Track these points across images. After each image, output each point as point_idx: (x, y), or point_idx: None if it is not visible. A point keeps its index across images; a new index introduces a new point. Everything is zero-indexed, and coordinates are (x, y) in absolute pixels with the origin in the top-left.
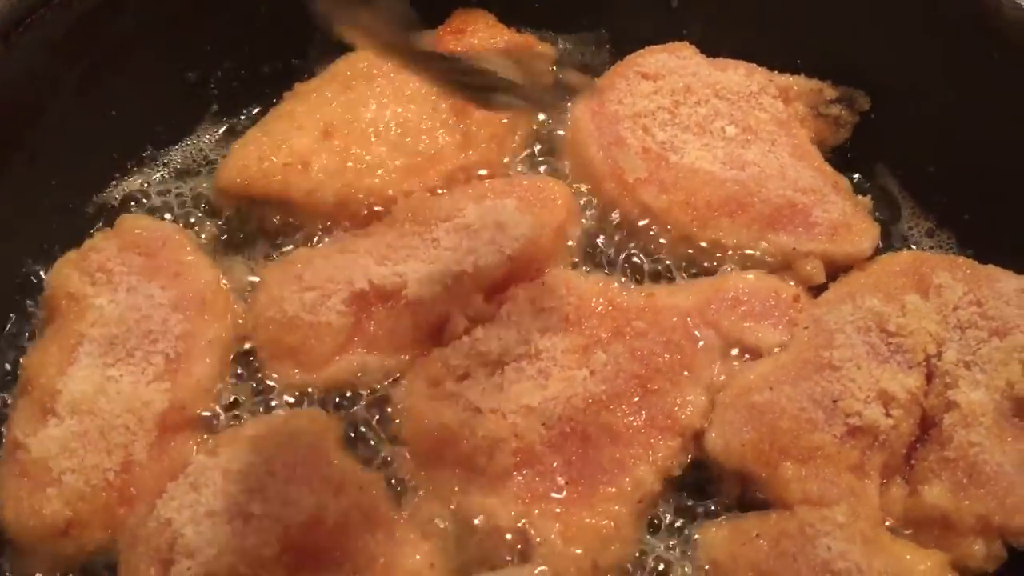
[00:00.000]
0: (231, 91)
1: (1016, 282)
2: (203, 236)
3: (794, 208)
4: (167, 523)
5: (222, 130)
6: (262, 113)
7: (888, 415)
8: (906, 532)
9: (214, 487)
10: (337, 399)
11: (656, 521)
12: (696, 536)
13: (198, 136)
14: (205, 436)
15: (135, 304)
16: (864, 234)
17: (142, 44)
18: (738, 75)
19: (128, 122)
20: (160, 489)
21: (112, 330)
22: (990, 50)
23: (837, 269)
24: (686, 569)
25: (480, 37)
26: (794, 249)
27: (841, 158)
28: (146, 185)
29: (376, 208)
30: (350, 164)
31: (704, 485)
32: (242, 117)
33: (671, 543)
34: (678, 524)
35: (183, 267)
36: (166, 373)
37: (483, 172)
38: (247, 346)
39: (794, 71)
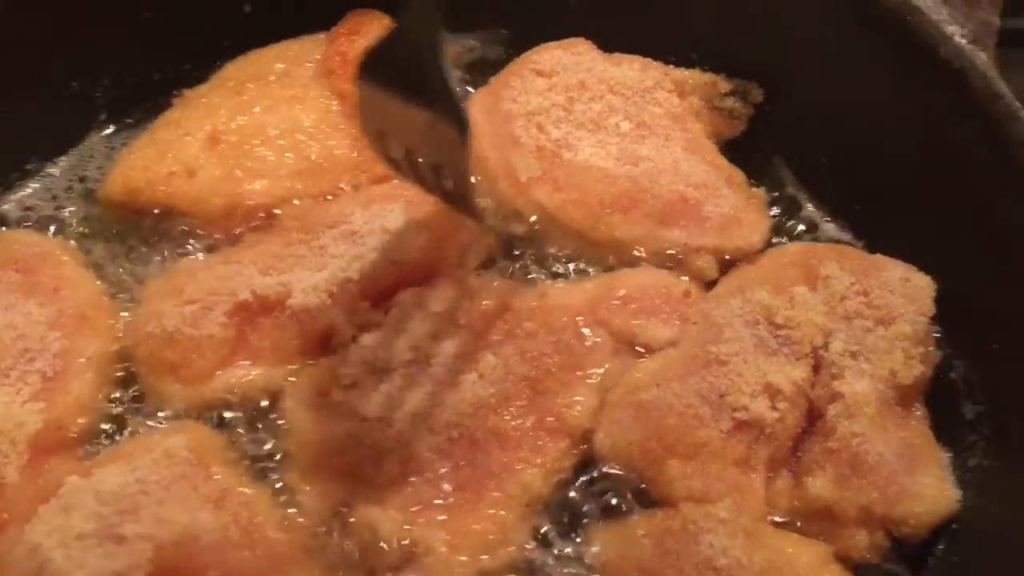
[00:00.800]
0: (119, 99)
1: (902, 270)
2: (86, 250)
3: (686, 203)
4: (35, 548)
5: (109, 140)
6: (152, 121)
7: (774, 408)
8: (793, 525)
9: (85, 509)
10: (222, 413)
11: (546, 524)
12: (585, 538)
13: (84, 147)
14: (82, 457)
15: (11, 322)
16: (754, 227)
17: (21, 52)
18: (633, 70)
19: (9, 134)
20: (32, 513)
21: None
22: (871, 38)
23: (729, 264)
24: (574, 572)
25: (374, 38)
26: (685, 244)
27: (737, 151)
28: (29, 199)
29: (267, 216)
30: (238, 171)
31: (596, 486)
32: (131, 126)
33: (561, 546)
34: (569, 526)
35: (63, 282)
36: (42, 392)
37: (376, 177)
38: (129, 363)
39: (689, 65)
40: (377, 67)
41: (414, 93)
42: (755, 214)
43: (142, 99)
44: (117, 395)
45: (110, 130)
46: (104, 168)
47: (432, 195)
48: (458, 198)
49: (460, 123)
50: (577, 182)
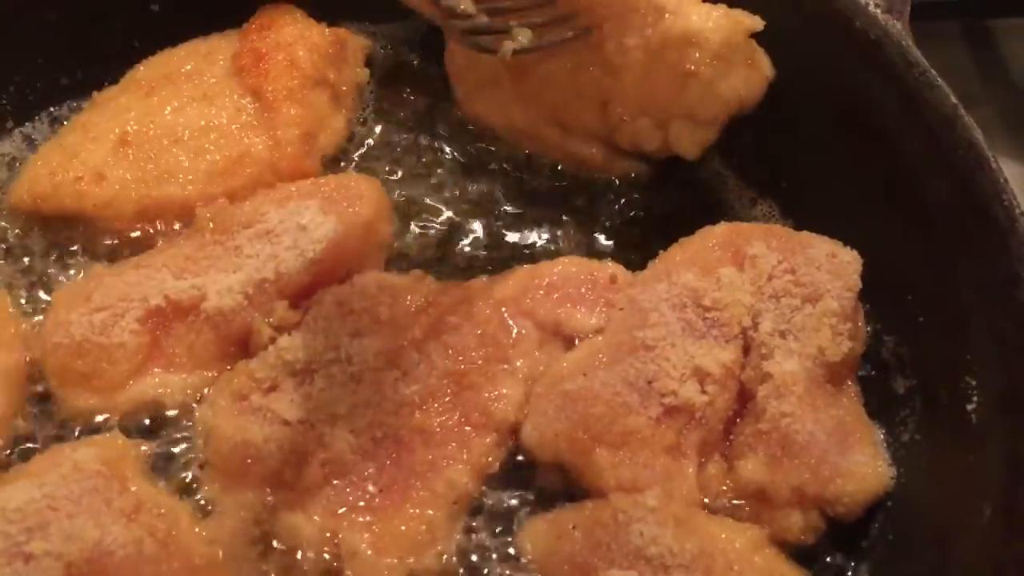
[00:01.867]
0: (26, 105)
1: (828, 246)
2: None
3: None
4: None
5: (16, 148)
6: (61, 128)
7: (703, 392)
8: (727, 510)
9: None
10: (140, 423)
11: (476, 520)
12: (515, 533)
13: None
14: None
15: None
16: None
17: None
18: None
19: None
20: None
21: None
22: (788, 10)
23: None
24: (506, 568)
25: (288, 33)
26: None
27: None
28: None
29: (181, 218)
30: (149, 174)
31: (526, 479)
32: (39, 132)
33: (491, 542)
34: (499, 522)
35: None
36: None
37: (293, 174)
38: (40, 376)
39: None
40: None
41: None
42: None
43: (50, 104)
44: (27, 410)
45: (17, 138)
46: (11, 177)
47: None
48: None
49: None
50: None
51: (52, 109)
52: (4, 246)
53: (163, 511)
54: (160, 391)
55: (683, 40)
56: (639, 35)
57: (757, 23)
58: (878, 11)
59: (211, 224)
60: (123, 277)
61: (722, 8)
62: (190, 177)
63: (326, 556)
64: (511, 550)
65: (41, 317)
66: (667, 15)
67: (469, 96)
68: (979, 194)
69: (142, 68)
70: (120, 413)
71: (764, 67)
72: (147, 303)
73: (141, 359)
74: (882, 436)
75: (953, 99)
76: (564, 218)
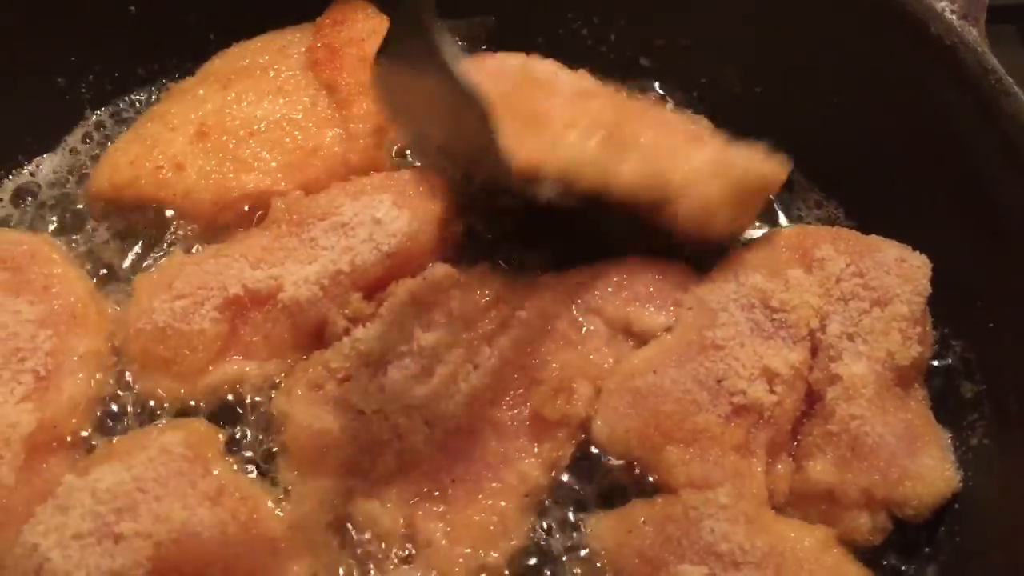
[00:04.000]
0: (105, 94)
1: (896, 251)
2: (75, 246)
3: None
4: (33, 548)
5: (96, 136)
6: (138, 116)
7: (772, 392)
8: (794, 509)
9: (82, 508)
10: (217, 408)
11: (546, 513)
12: (587, 527)
13: (70, 143)
14: (78, 456)
15: (1, 322)
16: None
17: (4, 47)
18: None
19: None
20: (30, 514)
21: None
22: (861, 16)
23: None
24: (576, 561)
25: (361, 28)
26: None
27: (730, 134)
28: (16, 197)
29: (256, 209)
30: (226, 164)
31: (596, 474)
32: (117, 122)
33: (562, 535)
34: (569, 515)
35: (52, 280)
36: (35, 392)
37: (365, 167)
38: (122, 360)
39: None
40: (389, 59)
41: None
42: None
43: (128, 94)
44: (111, 392)
45: (96, 126)
46: (91, 164)
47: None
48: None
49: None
50: None
51: (129, 98)
52: (85, 233)
53: (245, 495)
54: (237, 377)
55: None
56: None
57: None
58: (954, 17)
59: (286, 216)
60: (203, 266)
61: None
62: (266, 169)
63: (401, 544)
64: (581, 543)
65: (122, 303)
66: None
67: None
68: None
69: (218, 60)
70: (199, 398)
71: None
72: (226, 292)
73: (220, 346)
74: (950, 439)
75: None
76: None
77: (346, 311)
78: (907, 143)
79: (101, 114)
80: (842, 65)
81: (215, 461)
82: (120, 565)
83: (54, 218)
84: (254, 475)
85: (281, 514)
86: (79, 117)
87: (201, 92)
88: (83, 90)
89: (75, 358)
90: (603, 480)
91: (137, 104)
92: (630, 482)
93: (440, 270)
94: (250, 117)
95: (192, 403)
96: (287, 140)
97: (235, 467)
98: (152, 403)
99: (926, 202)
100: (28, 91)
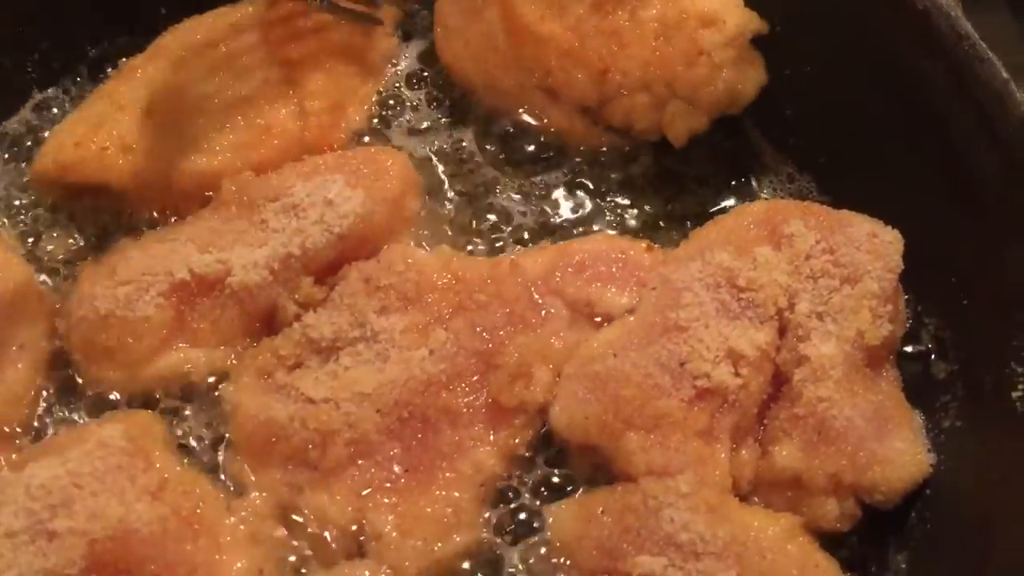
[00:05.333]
0: (52, 73)
1: (868, 226)
2: (17, 230)
3: None
4: None
5: (42, 116)
6: (86, 95)
7: (737, 374)
8: (759, 496)
9: (15, 505)
10: (163, 398)
11: (503, 503)
12: (544, 517)
13: (15, 123)
14: (16, 450)
15: None
16: None
17: None
18: None
19: None
20: None
21: None
22: None
23: None
24: (533, 552)
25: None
26: None
27: None
28: None
29: (207, 190)
30: (175, 144)
31: (554, 462)
32: (65, 102)
33: (518, 525)
34: (527, 505)
35: None
36: None
37: (320, 146)
38: (66, 350)
39: None
40: None
41: None
42: None
43: (76, 73)
44: (54, 383)
45: (42, 106)
46: (36, 145)
47: None
48: None
49: None
50: None
51: (78, 78)
52: (29, 217)
53: (188, 488)
54: (185, 366)
55: (701, 19)
56: (656, 7)
57: (764, 27)
58: None
59: (236, 197)
60: (148, 251)
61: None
62: (217, 148)
63: (351, 537)
64: (538, 533)
65: (61, 290)
66: None
67: (455, 50)
68: None
69: (169, 36)
70: (145, 388)
71: (762, 71)
72: (172, 277)
73: (166, 334)
74: (922, 421)
75: (1004, 74)
76: (597, 189)
77: (297, 296)
78: (880, 113)
79: (48, 94)
80: (811, 33)
81: (158, 454)
82: (54, 564)
83: None
84: (200, 469)
85: (228, 509)
86: (26, 97)
87: (150, 70)
88: (28, 69)
89: (14, 348)
90: (562, 468)
91: (86, 84)
92: (590, 470)
93: (394, 251)
94: (201, 95)
95: (135, 393)
96: (239, 118)
97: (181, 459)
98: (96, 394)
99: (900, 174)
100: None
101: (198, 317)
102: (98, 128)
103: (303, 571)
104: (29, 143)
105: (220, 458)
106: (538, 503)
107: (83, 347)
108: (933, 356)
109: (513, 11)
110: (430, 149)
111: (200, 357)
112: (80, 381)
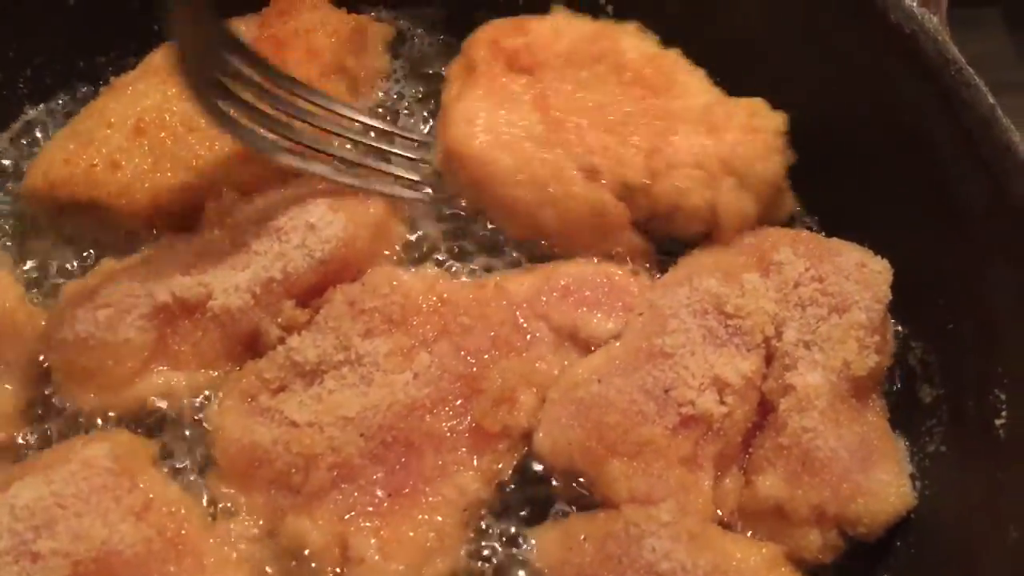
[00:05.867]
0: (43, 89)
1: (858, 255)
2: (5, 246)
3: None
4: None
5: (33, 132)
6: (77, 112)
7: (722, 402)
8: (743, 526)
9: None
10: (147, 420)
11: (485, 528)
12: (526, 542)
13: (5, 141)
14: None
15: None
16: None
17: None
18: None
19: None
20: None
21: None
22: (823, 4)
23: None
24: None
25: (307, 19)
26: None
27: None
28: None
29: (195, 209)
30: (163, 163)
31: (537, 488)
32: (54, 118)
33: (500, 551)
34: (509, 531)
35: None
36: None
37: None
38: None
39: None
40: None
41: None
42: None
43: (67, 89)
44: (40, 403)
45: (33, 121)
46: (26, 161)
47: None
48: None
49: None
50: None
51: (69, 94)
52: (17, 234)
53: (173, 509)
54: (165, 390)
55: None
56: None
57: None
58: (914, 3)
59: (219, 219)
60: (131, 272)
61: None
62: (204, 167)
63: (334, 561)
64: (521, 559)
65: (49, 309)
66: None
67: (475, 137)
68: (1015, 198)
69: (159, 54)
70: (124, 411)
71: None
72: (153, 300)
73: (147, 356)
74: (905, 446)
75: (991, 99)
76: None
77: (280, 319)
78: (867, 136)
79: (40, 110)
80: (798, 55)
81: (143, 474)
82: None
83: None
84: (184, 490)
85: (211, 531)
86: (17, 113)
87: (141, 87)
88: (20, 85)
89: (1, 366)
90: (545, 494)
91: (77, 100)
92: (573, 496)
93: (379, 274)
94: (190, 113)
95: (119, 416)
96: (228, 137)
97: (164, 481)
98: (80, 414)
99: (886, 197)
100: None
101: (179, 340)
102: (87, 145)
103: None
104: (19, 160)
105: (203, 481)
106: (520, 529)
107: (63, 368)
108: (919, 380)
109: None
110: None
111: (181, 380)
112: (66, 402)
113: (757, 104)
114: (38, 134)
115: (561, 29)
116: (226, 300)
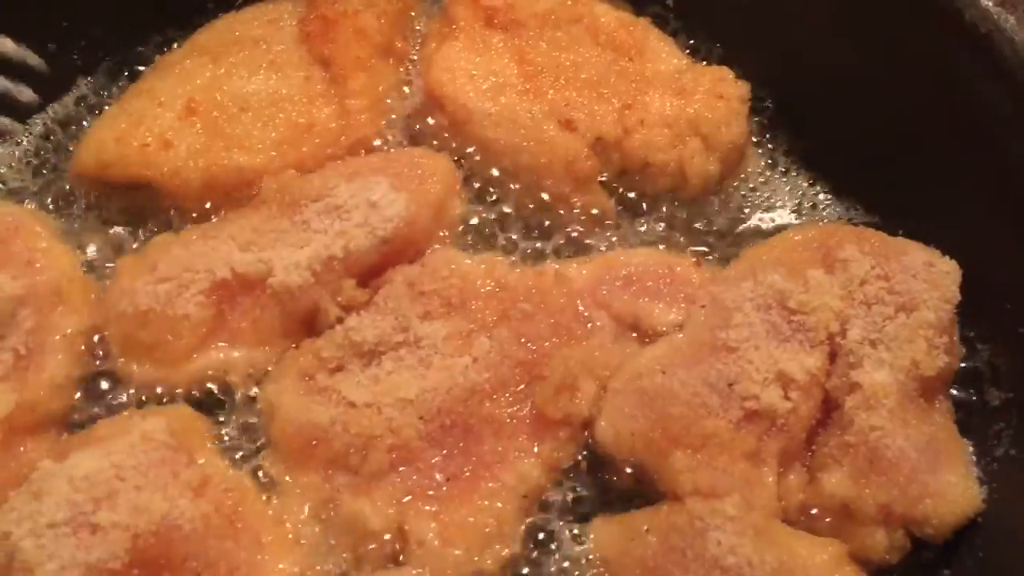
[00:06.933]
0: (90, 65)
1: (924, 255)
2: (61, 222)
3: None
4: (4, 537)
5: (82, 109)
6: (125, 89)
7: (787, 398)
8: (806, 522)
9: (58, 496)
10: (203, 396)
11: (544, 516)
12: (586, 532)
13: (57, 115)
14: (57, 439)
15: None
16: None
17: None
18: None
19: None
20: (3, 499)
21: None
22: (891, 11)
23: None
24: (574, 567)
25: (355, 0)
26: None
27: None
28: (1, 169)
29: (247, 188)
30: (216, 142)
31: (597, 477)
32: (103, 93)
33: (559, 540)
34: (568, 519)
35: (37, 255)
36: (14, 371)
37: (361, 145)
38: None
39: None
40: None
41: None
42: None
43: (114, 65)
44: (95, 374)
45: (83, 98)
46: (78, 137)
47: None
48: None
49: None
50: None
51: (115, 70)
52: (72, 209)
53: (230, 487)
54: (223, 366)
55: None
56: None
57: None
58: (990, 3)
59: (278, 196)
60: (189, 247)
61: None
62: (258, 146)
63: (391, 543)
64: (580, 548)
65: (102, 283)
66: None
67: (455, 81)
68: None
69: (205, 33)
70: (182, 385)
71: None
72: (213, 275)
73: (205, 332)
74: (972, 450)
75: None
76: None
77: (339, 298)
78: (938, 138)
79: (87, 86)
80: (870, 53)
81: (200, 450)
82: (96, 558)
83: (40, 192)
84: (240, 467)
85: (267, 508)
86: (68, 88)
87: (189, 65)
88: (74, 57)
89: (57, 337)
90: (605, 483)
91: (123, 77)
92: (634, 487)
93: (439, 257)
94: (241, 92)
95: (174, 390)
96: (280, 116)
97: (220, 458)
98: (135, 389)
99: (955, 198)
100: (14, 60)
101: (238, 316)
102: (138, 124)
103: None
104: (71, 135)
105: (260, 459)
106: (580, 519)
107: (122, 342)
108: (987, 383)
109: None
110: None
111: (239, 356)
112: (123, 374)
113: (724, 71)
114: (86, 112)
115: None
116: (286, 277)
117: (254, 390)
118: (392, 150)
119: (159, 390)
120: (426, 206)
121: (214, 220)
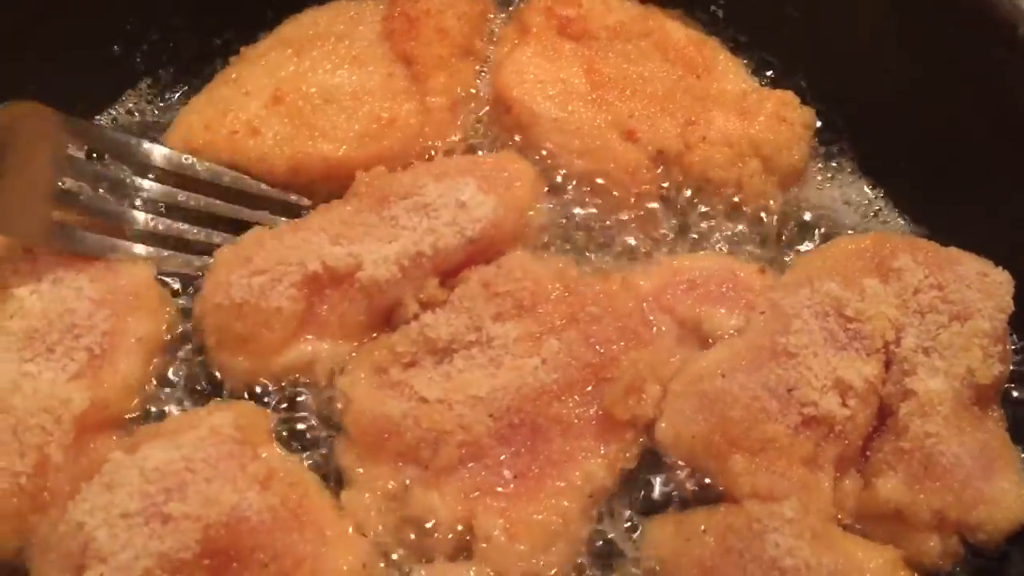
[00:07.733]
0: (171, 56)
1: (978, 265)
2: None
3: None
4: (79, 527)
5: (162, 99)
6: (208, 79)
7: (844, 405)
8: (861, 527)
9: (130, 487)
10: (279, 388)
11: (607, 515)
12: (645, 531)
13: (135, 106)
14: (127, 438)
15: (60, 296)
16: None
17: (74, 8)
18: None
19: (54, 92)
20: (77, 491)
21: (32, 323)
22: (947, 16)
23: None
24: (633, 565)
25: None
26: None
27: None
28: None
29: (329, 178)
30: (302, 131)
31: (658, 477)
32: (185, 83)
33: (621, 538)
34: (628, 518)
35: (115, 260)
36: (88, 370)
37: (440, 140)
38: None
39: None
40: None
41: None
42: None
43: (194, 57)
44: (165, 377)
45: (165, 88)
46: (160, 125)
47: None
48: None
49: None
50: None
51: (193, 62)
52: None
53: (295, 480)
54: (311, 358)
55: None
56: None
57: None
58: None
59: (367, 190)
60: (282, 240)
61: None
62: (342, 137)
63: (458, 538)
64: (639, 547)
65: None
66: None
67: (524, 85)
68: None
69: (289, 26)
70: (273, 378)
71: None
72: (305, 268)
73: (296, 325)
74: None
75: None
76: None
77: (420, 295)
78: (990, 153)
79: (169, 77)
80: (925, 68)
81: (264, 444)
82: (168, 547)
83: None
84: (307, 460)
85: (331, 500)
86: (155, 77)
87: (274, 57)
88: (137, 58)
89: (132, 340)
90: (665, 484)
91: (203, 68)
92: (692, 488)
93: (513, 259)
94: (326, 85)
95: (261, 381)
96: (363, 110)
97: (287, 451)
98: (217, 381)
99: (999, 209)
100: (81, 59)
101: (327, 309)
102: (225, 112)
103: (406, 568)
104: (151, 124)
105: (332, 451)
106: (640, 518)
107: (216, 333)
108: None
109: None
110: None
111: (326, 349)
112: (208, 366)
113: (789, 96)
114: (169, 102)
115: (612, 5)
116: (375, 271)
117: (331, 382)
118: (481, 152)
119: (247, 383)
120: (512, 209)
121: (304, 212)
